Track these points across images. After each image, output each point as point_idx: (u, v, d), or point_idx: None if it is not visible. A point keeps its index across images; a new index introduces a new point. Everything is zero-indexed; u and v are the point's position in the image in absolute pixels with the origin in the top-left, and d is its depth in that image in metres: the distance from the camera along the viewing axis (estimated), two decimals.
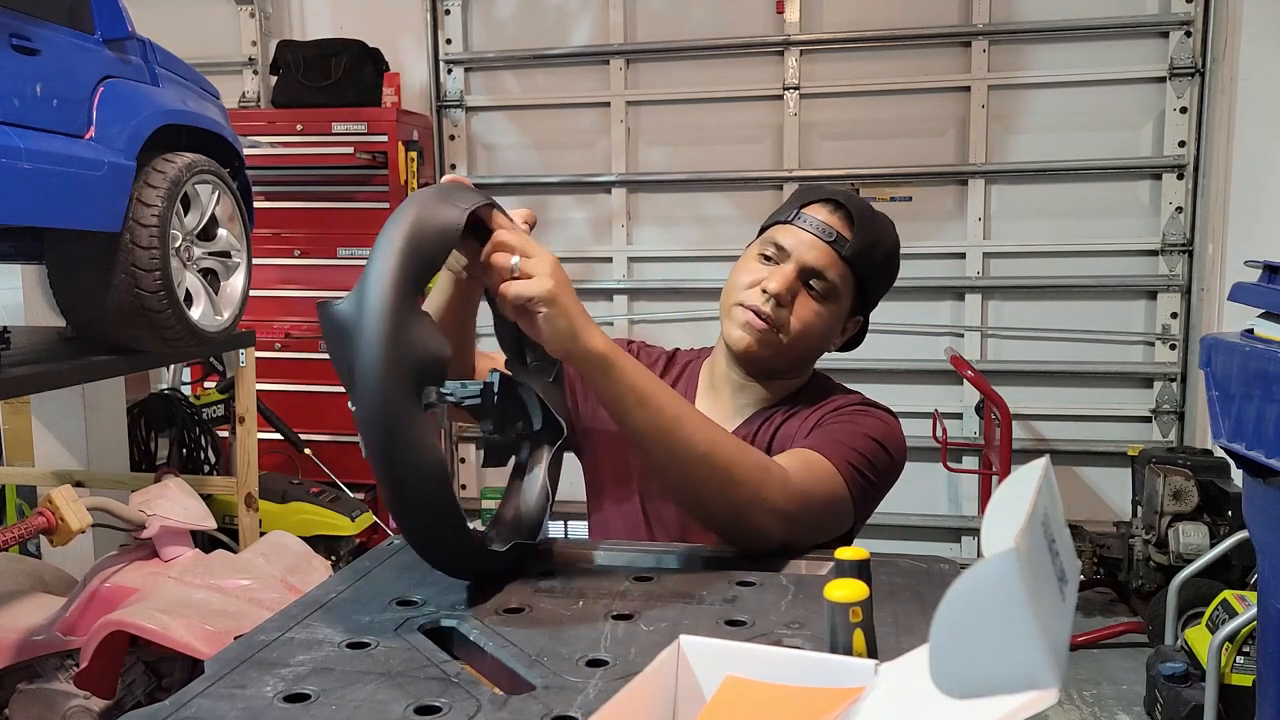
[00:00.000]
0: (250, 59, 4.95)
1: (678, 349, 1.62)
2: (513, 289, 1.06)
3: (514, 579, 1.12)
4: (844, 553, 0.83)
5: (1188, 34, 4.26)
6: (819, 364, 1.55)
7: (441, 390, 1.01)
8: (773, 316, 1.40)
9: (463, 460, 5.06)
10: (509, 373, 1.14)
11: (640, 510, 1.47)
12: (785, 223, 1.44)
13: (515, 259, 1.06)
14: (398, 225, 1.00)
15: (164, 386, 4.14)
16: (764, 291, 1.40)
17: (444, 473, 1.01)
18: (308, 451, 3.97)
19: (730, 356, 1.47)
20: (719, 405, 1.50)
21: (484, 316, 1.26)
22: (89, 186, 2.12)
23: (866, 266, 1.44)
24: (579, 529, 1.56)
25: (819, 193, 1.47)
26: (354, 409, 0.97)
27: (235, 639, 0.99)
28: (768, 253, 1.43)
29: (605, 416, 1.50)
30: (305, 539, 2.68)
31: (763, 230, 1.49)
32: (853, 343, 1.54)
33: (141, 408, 3.94)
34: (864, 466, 1.32)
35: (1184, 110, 4.29)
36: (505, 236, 1.09)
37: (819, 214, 1.43)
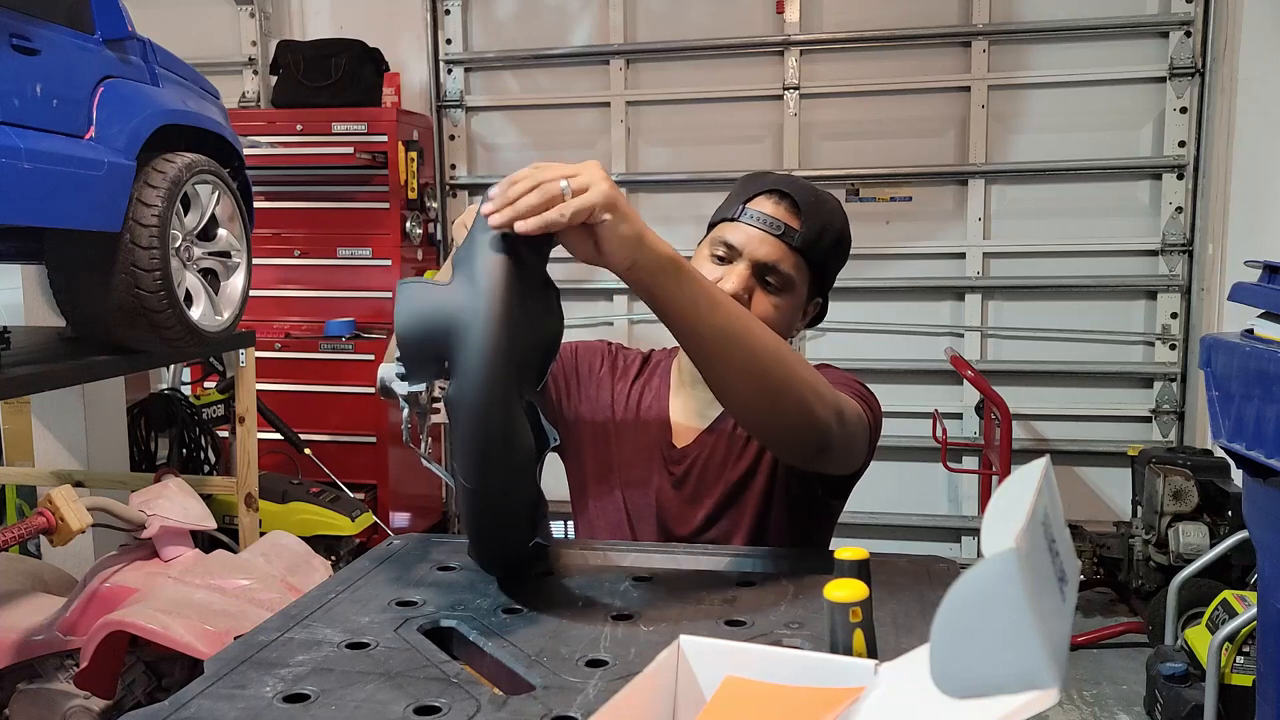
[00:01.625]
0: (250, 59, 4.95)
1: (653, 350, 1.61)
2: (573, 204, 0.99)
3: (517, 579, 1.13)
4: (844, 553, 0.83)
5: (1188, 34, 4.26)
6: (814, 359, 1.55)
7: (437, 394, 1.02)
8: None
9: None
10: None
11: (622, 504, 1.48)
12: (732, 220, 1.42)
13: (564, 181, 1.01)
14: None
15: (164, 386, 4.14)
16: None
17: (534, 465, 1.02)
18: (308, 451, 3.96)
19: None
20: (691, 402, 1.50)
21: None
22: (89, 186, 2.12)
23: (818, 252, 1.42)
24: None
25: (761, 184, 1.44)
26: (447, 390, 0.97)
27: (235, 639, 0.99)
28: (719, 253, 1.41)
29: (588, 411, 1.51)
30: (305, 539, 2.67)
31: (711, 226, 1.47)
32: (815, 321, 1.54)
33: (141, 408, 3.93)
34: (862, 403, 1.34)
35: (1184, 110, 4.29)
36: (547, 166, 1.03)
37: (764, 207, 1.40)
